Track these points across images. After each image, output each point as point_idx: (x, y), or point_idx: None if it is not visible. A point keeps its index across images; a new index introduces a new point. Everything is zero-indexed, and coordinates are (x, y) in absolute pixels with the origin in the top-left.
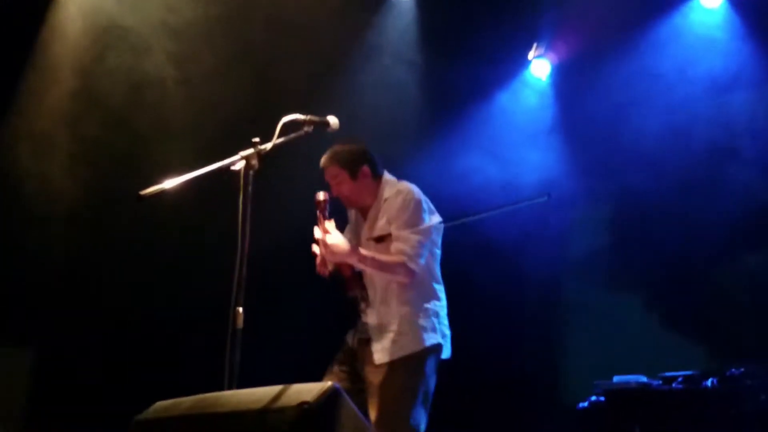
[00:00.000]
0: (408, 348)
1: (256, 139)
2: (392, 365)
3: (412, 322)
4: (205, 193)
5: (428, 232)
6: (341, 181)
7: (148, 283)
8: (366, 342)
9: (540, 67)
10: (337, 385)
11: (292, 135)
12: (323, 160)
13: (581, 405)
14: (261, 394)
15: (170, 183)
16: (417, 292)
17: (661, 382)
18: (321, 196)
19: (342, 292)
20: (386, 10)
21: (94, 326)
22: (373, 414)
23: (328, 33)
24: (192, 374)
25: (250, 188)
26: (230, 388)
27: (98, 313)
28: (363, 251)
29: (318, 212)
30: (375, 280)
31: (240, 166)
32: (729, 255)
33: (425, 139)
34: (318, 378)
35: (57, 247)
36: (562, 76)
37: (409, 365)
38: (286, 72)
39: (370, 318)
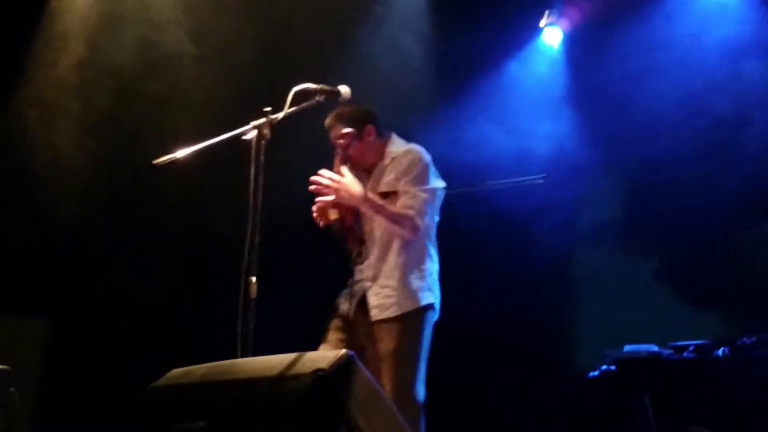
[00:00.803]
0: (406, 306)
1: (268, 109)
2: (391, 326)
3: (410, 280)
4: (218, 162)
5: (434, 193)
6: (347, 140)
7: (161, 253)
8: (362, 306)
9: (552, 35)
10: (352, 352)
11: (304, 104)
12: (328, 120)
13: (592, 374)
14: (275, 361)
15: (182, 152)
16: (415, 251)
17: (672, 351)
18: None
19: (341, 243)
20: None
21: (108, 296)
22: (378, 377)
23: (337, 2)
24: (206, 344)
25: (261, 158)
26: (244, 357)
27: (112, 282)
28: (375, 198)
29: (337, 152)
30: (376, 234)
31: (252, 135)
32: (742, 224)
33: (435, 108)
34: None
35: (68, 217)
36: (575, 43)
37: (409, 325)
38: (297, 42)
39: (366, 272)
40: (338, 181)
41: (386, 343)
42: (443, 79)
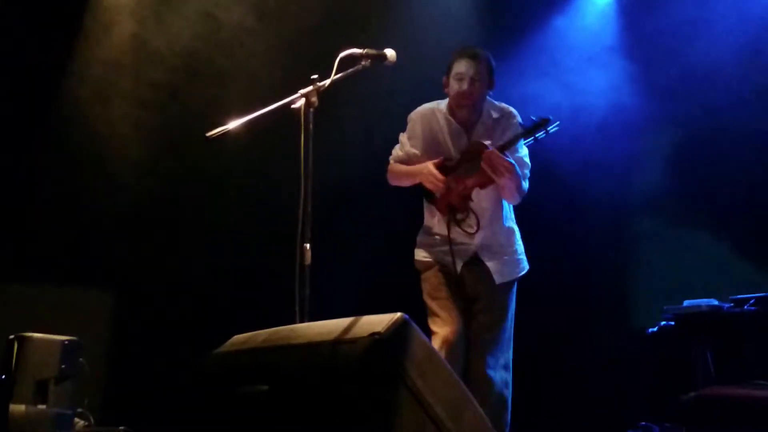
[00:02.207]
0: (521, 268)
1: (315, 76)
2: (507, 286)
3: (519, 244)
4: (271, 131)
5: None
6: (480, 80)
7: (220, 222)
8: (473, 264)
9: None
10: (407, 316)
11: (350, 70)
12: (479, 52)
13: (650, 330)
14: (333, 326)
15: (234, 124)
16: (513, 214)
17: (732, 305)
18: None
19: (448, 212)
20: None
21: (170, 266)
22: (486, 332)
23: None
24: (266, 310)
25: (311, 126)
26: (302, 323)
27: (173, 253)
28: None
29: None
30: (483, 202)
31: (300, 103)
32: None
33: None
34: (385, 309)
35: (128, 190)
36: None
37: (514, 288)
38: (345, 5)
39: (476, 239)
40: (512, 166)
41: (503, 303)
42: (493, 35)
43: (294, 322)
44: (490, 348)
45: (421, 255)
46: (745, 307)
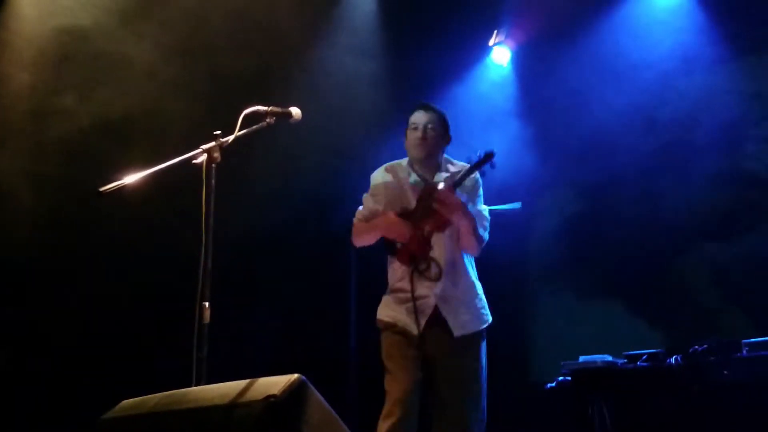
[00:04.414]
0: (483, 321)
1: (218, 132)
2: (473, 342)
3: (481, 297)
4: (172, 186)
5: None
6: (434, 129)
7: (113, 280)
8: (435, 324)
9: (500, 53)
10: (303, 377)
11: (255, 127)
12: (433, 106)
13: (549, 385)
14: (228, 388)
15: (131, 178)
16: (475, 266)
17: (626, 360)
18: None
19: (410, 262)
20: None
21: (60, 325)
22: (452, 394)
23: (286, 22)
24: (162, 371)
25: (212, 181)
26: (199, 383)
27: (63, 312)
28: (469, 211)
29: (476, 165)
30: (446, 253)
31: (202, 159)
32: (691, 241)
33: (391, 130)
34: (286, 370)
35: (18, 244)
36: (523, 62)
37: (482, 340)
38: (247, 65)
39: (436, 289)
40: (460, 202)
41: (469, 361)
42: (397, 98)
43: (191, 383)
44: (463, 408)
45: (383, 314)
46: (638, 362)
